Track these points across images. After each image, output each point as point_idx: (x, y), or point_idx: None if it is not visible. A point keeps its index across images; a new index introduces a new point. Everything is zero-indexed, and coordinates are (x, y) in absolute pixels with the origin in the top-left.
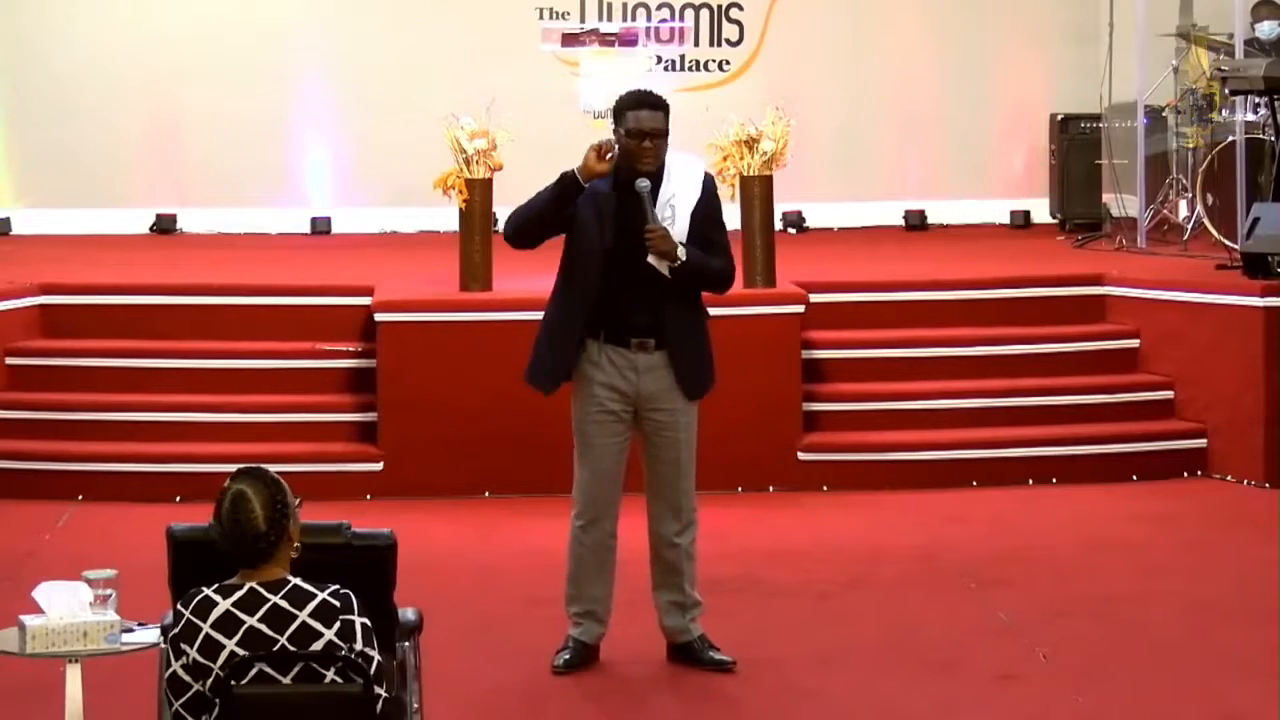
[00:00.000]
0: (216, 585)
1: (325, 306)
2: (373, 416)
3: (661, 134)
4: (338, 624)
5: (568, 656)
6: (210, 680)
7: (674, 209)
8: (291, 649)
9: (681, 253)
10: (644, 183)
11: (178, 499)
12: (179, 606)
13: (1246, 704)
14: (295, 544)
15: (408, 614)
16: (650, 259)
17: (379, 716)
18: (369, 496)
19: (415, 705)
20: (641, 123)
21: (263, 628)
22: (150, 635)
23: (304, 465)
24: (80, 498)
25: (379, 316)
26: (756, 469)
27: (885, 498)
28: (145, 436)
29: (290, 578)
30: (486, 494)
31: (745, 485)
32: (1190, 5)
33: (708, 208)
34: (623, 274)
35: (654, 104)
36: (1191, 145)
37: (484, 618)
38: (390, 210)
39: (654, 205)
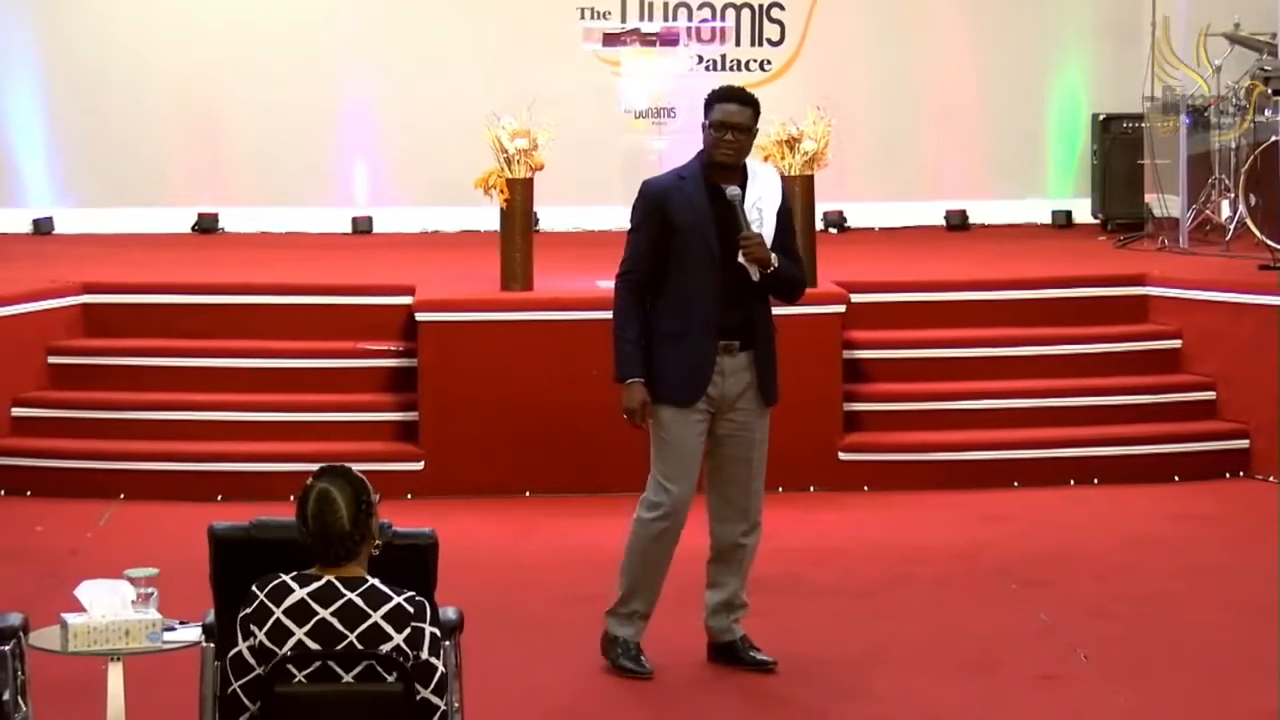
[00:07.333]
0: (295, 574)
1: (366, 306)
2: (414, 416)
3: (745, 129)
4: (408, 630)
5: (643, 659)
6: (271, 665)
7: (761, 212)
8: (359, 647)
9: (774, 259)
10: (735, 190)
11: (219, 498)
12: (254, 588)
13: None
14: (376, 542)
15: (449, 613)
16: (741, 261)
17: None
18: (410, 495)
19: (456, 704)
20: (729, 115)
21: (334, 622)
22: (192, 634)
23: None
24: (122, 496)
25: (420, 316)
26: (797, 469)
27: (926, 498)
28: (187, 435)
29: (369, 577)
30: (527, 493)
31: (786, 485)
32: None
33: (785, 215)
34: (718, 277)
35: (743, 99)
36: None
37: (524, 617)
38: (431, 209)
39: (744, 211)
